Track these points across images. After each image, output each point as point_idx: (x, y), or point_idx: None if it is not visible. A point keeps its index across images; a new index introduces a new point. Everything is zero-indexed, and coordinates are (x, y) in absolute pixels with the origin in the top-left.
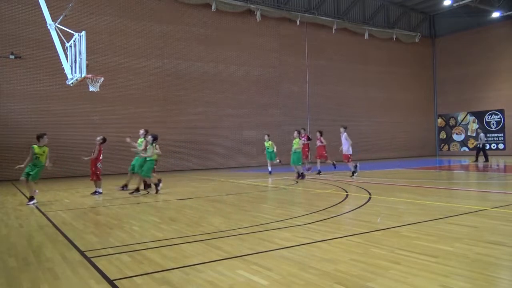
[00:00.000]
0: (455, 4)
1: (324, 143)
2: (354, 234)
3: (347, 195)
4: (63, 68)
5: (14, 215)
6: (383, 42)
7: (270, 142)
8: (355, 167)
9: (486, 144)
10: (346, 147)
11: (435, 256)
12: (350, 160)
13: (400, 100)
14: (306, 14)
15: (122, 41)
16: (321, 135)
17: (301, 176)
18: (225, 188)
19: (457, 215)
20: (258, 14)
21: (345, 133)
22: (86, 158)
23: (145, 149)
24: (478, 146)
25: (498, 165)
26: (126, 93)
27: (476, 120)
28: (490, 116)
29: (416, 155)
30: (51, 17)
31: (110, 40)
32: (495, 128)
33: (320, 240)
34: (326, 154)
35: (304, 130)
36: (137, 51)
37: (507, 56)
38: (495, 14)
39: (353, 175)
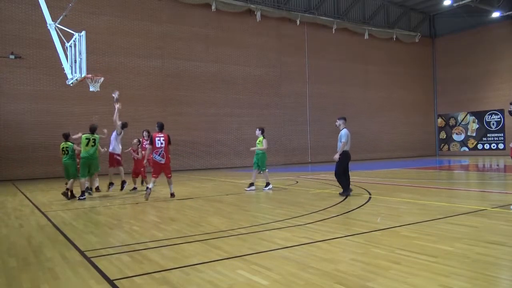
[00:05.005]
0: (455, 4)
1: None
2: (354, 234)
3: (347, 195)
4: (63, 68)
5: (14, 215)
6: (383, 42)
7: None
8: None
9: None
10: (112, 147)
11: (435, 256)
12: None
13: (400, 100)
14: (306, 14)
15: (122, 41)
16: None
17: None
18: (225, 188)
19: (457, 215)
20: (258, 14)
21: (115, 132)
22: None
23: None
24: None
25: (497, 165)
26: (126, 93)
27: (476, 120)
28: (490, 116)
29: (416, 155)
30: (51, 17)
31: (110, 40)
32: (495, 128)
33: (320, 240)
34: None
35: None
36: (137, 51)
37: (507, 56)
38: (495, 14)
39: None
